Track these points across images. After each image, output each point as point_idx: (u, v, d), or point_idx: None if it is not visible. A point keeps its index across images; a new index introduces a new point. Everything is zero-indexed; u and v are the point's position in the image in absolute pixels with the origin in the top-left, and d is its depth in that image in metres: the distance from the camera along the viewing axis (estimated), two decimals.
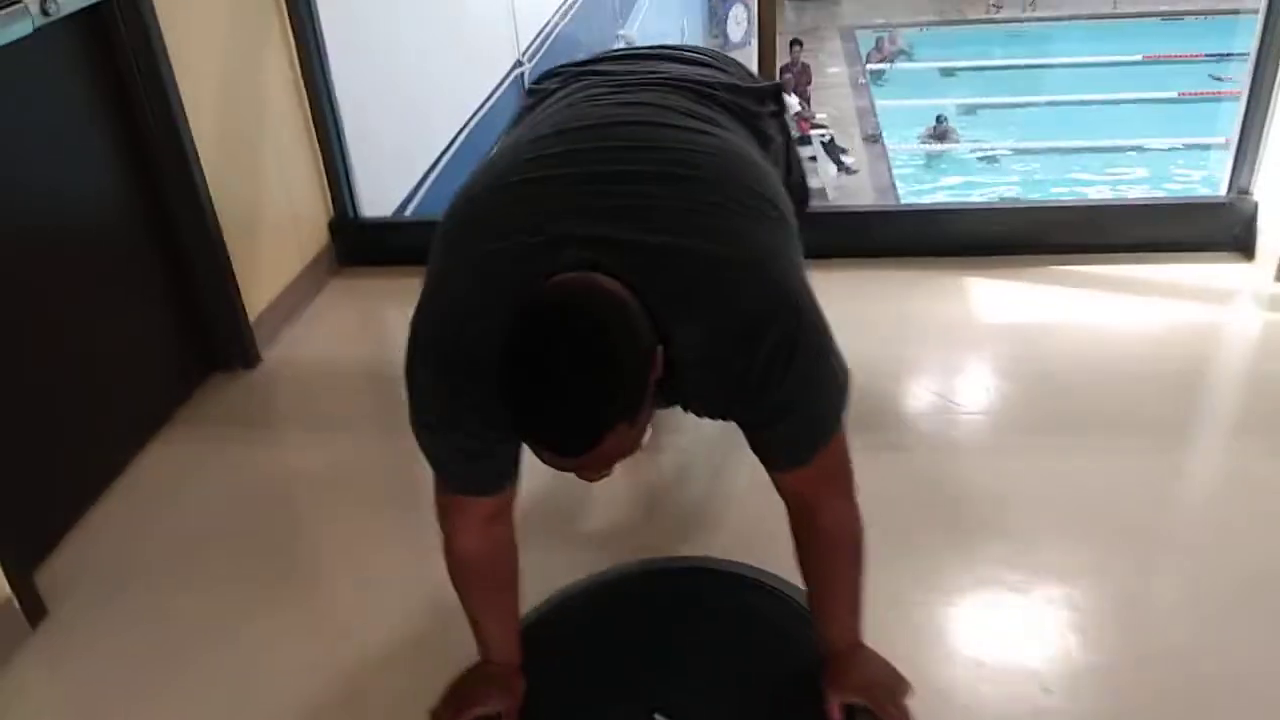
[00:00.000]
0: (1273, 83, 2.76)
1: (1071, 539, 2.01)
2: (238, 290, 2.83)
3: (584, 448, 1.10)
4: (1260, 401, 2.43)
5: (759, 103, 1.64)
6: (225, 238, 2.74)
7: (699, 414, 1.36)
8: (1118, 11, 13.59)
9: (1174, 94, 10.77)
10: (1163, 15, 13.24)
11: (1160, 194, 2.77)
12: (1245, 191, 2.90)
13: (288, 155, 3.13)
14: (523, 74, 5.26)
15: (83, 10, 2.25)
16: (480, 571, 1.52)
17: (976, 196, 9.13)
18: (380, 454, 2.44)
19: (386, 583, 2.04)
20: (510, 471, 1.42)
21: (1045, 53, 12.61)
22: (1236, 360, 2.66)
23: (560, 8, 6.14)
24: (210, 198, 2.68)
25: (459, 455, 1.37)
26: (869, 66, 12.56)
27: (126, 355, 2.55)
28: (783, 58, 11.42)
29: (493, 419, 1.18)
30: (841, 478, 1.39)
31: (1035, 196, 8.96)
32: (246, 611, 2.00)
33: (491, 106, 4.77)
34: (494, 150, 1.52)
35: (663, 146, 1.37)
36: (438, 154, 4.14)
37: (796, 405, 1.28)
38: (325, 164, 3.28)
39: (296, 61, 3.10)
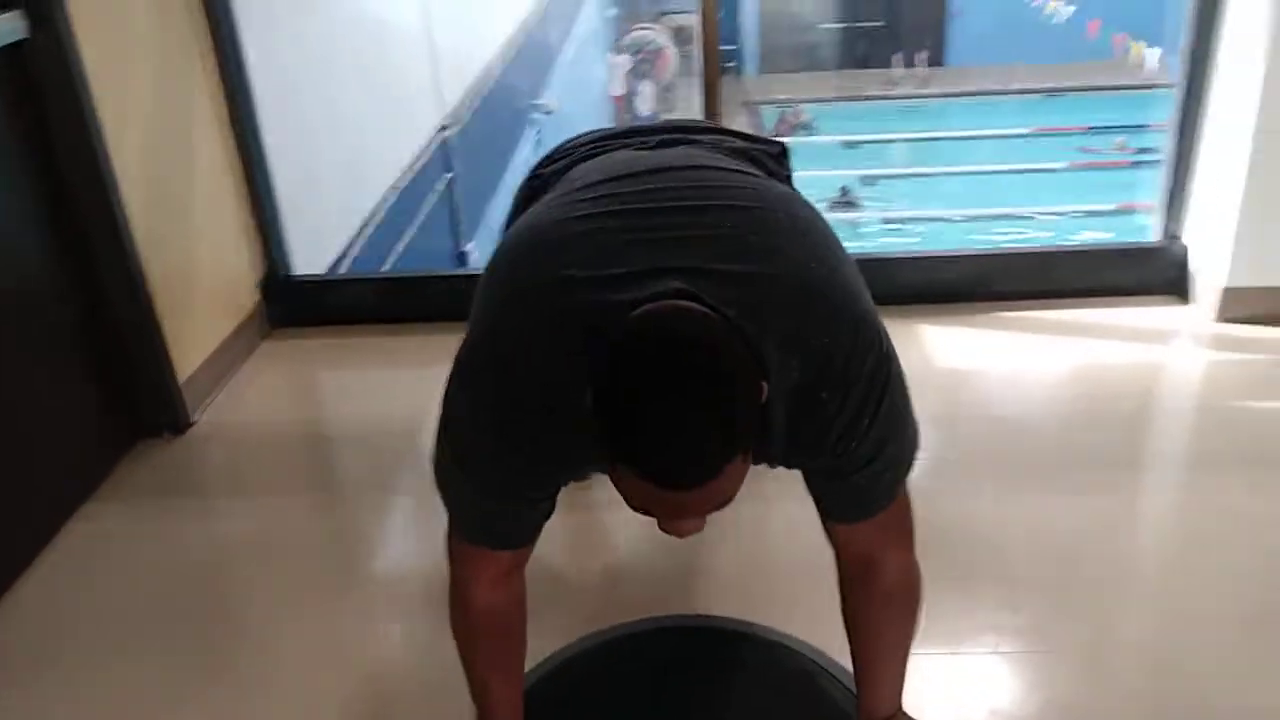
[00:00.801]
0: (1194, 131, 2.91)
1: (1046, 582, 2.00)
2: (166, 353, 2.66)
3: (705, 477, 1.01)
4: (1209, 437, 2.50)
5: (776, 161, 1.60)
6: (153, 298, 2.58)
7: (771, 463, 1.26)
8: (1005, 88, 14.30)
9: (1064, 164, 11.33)
10: (1048, 92, 13.98)
11: (1101, 241, 2.87)
12: (1175, 236, 3.01)
13: (218, 211, 2.99)
14: (446, 139, 5.21)
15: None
16: (490, 626, 1.41)
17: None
18: (315, 524, 2.35)
19: (320, 658, 1.92)
20: (535, 526, 1.32)
21: (941, 126, 13.16)
22: (1184, 398, 2.73)
23: (475, 85, 6.15)
24: (137, 256, 2.53)
25: (487, 501, 1.27)
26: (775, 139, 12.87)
27: (48, 423, 2.36)
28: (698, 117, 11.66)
29: (543, 454, 1.11)
30: (906, 530, 1.34)
31: (984, 243, 9.15)
32: (177, 691, 1.86)
33: (419, 170, 4.71)
34: (526, 216, 1.40)
35: (723, 185, 1.31)
36: (368, 213, 4.03)
37: (877, 453, 1.21)
38: (256, 221, 3.15)
39: (226, 116, 2.99)
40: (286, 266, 3.23)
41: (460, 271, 4.09)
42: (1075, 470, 2.34)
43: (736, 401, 1.03)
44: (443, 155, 5.14)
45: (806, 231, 1.27)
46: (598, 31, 12.60)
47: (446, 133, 5.19)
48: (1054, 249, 3.12)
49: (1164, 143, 3.03)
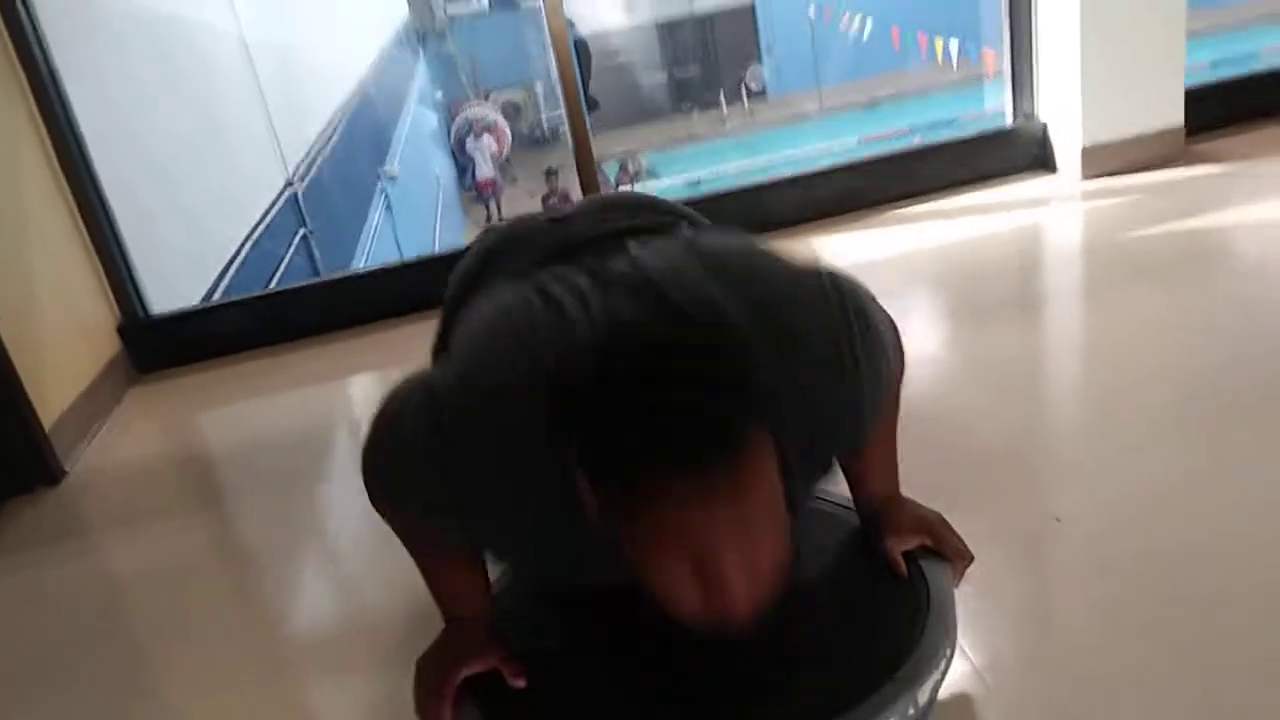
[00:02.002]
0: (1029, 17, 3.04)
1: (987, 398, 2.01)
2: (29, 405, 2.43)
3: (732, 444, 0.86)
4: (1102, 266, 2.63)
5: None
6: (6, 350, 2.36)
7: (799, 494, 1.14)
8: (824, 107, 14.98)
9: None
10: (863, 104, 14.69)
11: (960, 133, 2.94)
12: (1029, 115, 3.12)
13: (59, 256, 2.79)
14: (295, 194, 5.07)
15: None
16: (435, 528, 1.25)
17: None
18: (206, 552, 2.16)
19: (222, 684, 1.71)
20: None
21: (772, 152, 13.62)
22: (1069, 242, 2.86)
23: (315, 146, 6.06)
24: None
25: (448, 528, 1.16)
26: (619, 188, 13.14)
27: None
28: (540, 188, 11.75)
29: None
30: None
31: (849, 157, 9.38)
32: None
33: (271, 221, 4.54)
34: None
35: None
36: (225, 260, 3.84)
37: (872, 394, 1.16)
38: (104, 266, 2.94)
39: (55, 159, 2.81)
40: (143, 308, 3.02)
41: (320, 279, 3.90)
42: (984, 314, 2.41)
43: (738, 362, 0.92)
44: (294, 210, 4.98)
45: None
46: (429, 112, 12.64)
47: (293, 189, 5.04)
48: (918, 147, 3.17)
49: (1002, 32, 3.16)
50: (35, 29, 2.73)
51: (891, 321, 1.22)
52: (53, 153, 2.81)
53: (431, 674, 1.23)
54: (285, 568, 2.01)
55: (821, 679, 1.20)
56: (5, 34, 2.68)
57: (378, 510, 1.24)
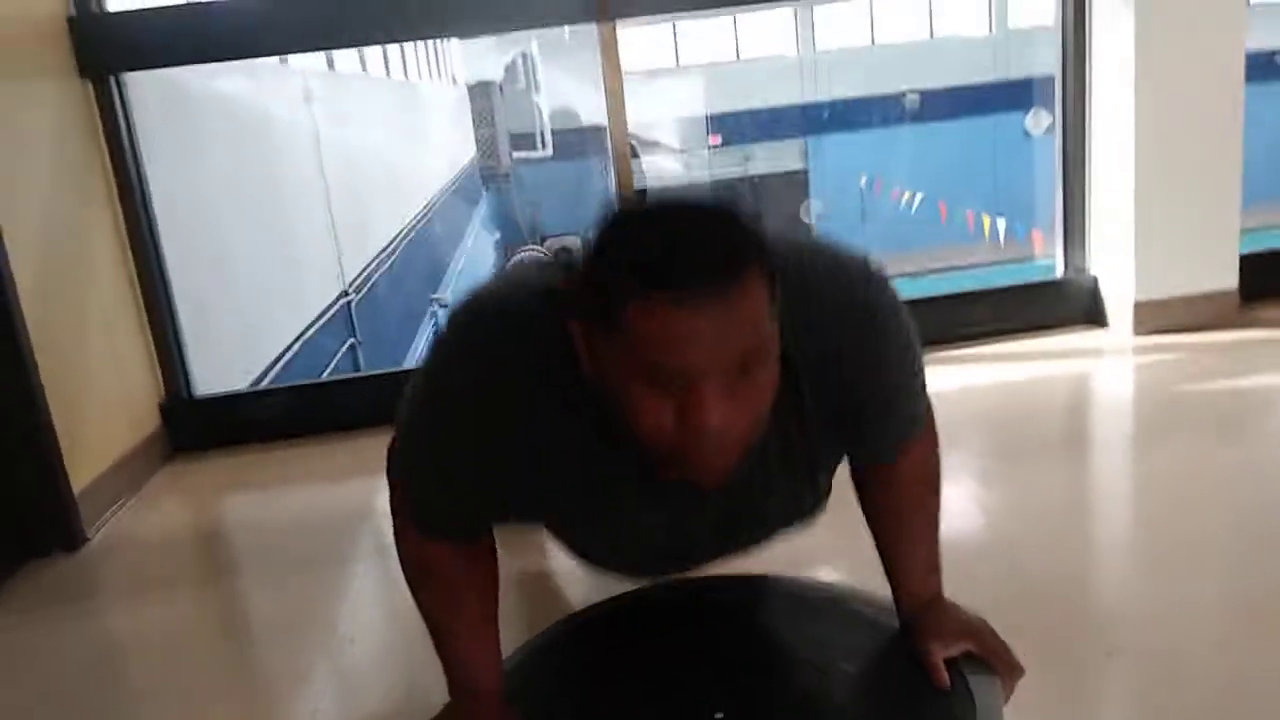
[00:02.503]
0: (1084, 172, 3.09)
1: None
2: (62, 468, 2.44)
3: (723, 276, 0.85)
4: (1156, 413, 2.61)
5: None
6: (49, 411, 2.40)
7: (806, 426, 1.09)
8: None
9: None
10: (910, 274, 14.93)
11: (1011, 279, 2.98)
12: (1081, 269, 3.13)
13: (117, 329, 2.84)
14: (349, 304, 5.18)
15: None
16: (454, 574, 1.20)
17: None
18: (216, 631, 2.10)
19: None
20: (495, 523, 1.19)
21: None
22: (1125, 390, 2.83)
23: (373, 264, 6.24)
24: (33, 367, 2.36)
25: (461, 485, 1.10)
26: None
27: None
28: None
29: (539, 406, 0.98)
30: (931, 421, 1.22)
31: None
32: None
33: (322, 327, 4.63)
34: None
35: None
36: (274, 357, 3.90)
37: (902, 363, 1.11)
38: (156, 344, 2.99)
39: (127, 239, 2.91)
40: (188, 389, 3.05)
41: (362, 374, 3.93)
42: (1033, 455, 2.36)
43: (740, 216, 0.90)
44: (346, 320, 5.08)
45: None
46: (487, 249, 13.01)
47: (348, 299, 5.16)
48: (967, 291, 3.17)
49: (1054, 184, 3.20)
50: (124, 106, 2.87)
51: (929, 400, 1.19)
52: (124, 226, 2.91)
53: None
54: (290, 648, 1.94)
55: None
56: (95, 108, 2.82)
57: (399, 532, 1.19)
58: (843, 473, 1.21)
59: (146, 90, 2.98)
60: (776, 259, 0.92)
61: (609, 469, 1.04)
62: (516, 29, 3.18)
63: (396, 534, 1.21)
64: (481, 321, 1.05)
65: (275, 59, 5.08)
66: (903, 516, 1.27)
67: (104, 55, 2.81)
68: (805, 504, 1.22)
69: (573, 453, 1.03)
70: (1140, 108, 2.84)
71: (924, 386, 1.18)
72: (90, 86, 2.81)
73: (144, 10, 2.93)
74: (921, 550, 1.27)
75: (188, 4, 2.93)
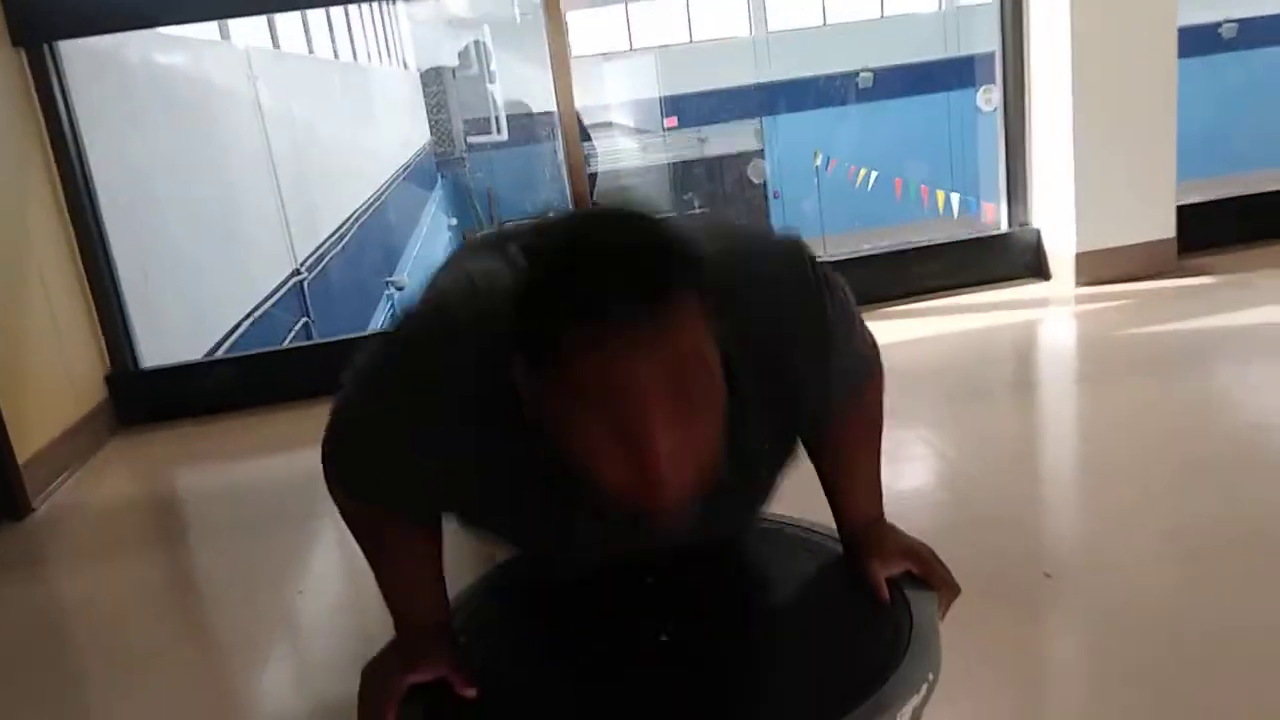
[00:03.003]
0: (1023, 132, 3.15)
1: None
2: (6, 438, 2.40)
3: (653, 295, 0.83)
4: (1098, 358, 2.66)
5: None
6: None
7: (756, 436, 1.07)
8: (829, 253, 15.31)
9: None
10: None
11: (957, 235, 3.05)
12: (1024, 223, 3.19)
13: (56, 304, 2.79)
14: (302, 283, 5.13)
15: None
16: (391, 519, 1.19)
17: None
18: (158, 595, 2.07)
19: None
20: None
21: None
22: (1068, 336, 2.89)
23: (326, 244, 6.18)
24: None
25: (397, 482, 1.08)
26: None
27: None
28: None
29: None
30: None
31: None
32: None
33: (275, 304, 4.59)
34: None
35: None
36: (223, 333, 3.86)
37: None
38: (100, 317, 2.95)
39: (67, 214, 2.87)
40: (134, 361, 3.02)
41: (314, 342, 3.89)
42: (982, 396, 2.42)
43: (668, 236, 0.88)
44: (299, 299, 5.03)
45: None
46: (443, 232, 12.93)
47: (300, 278, 5.11)
48: (915, 247, 3.21)
49: (998, 142, 3.26)
50: (60, 76, 2.82)
51: (873, 338, 1.20)
52: (64, 200, 2.87)
53: (377, 681, 1.15)
54: (238, 603, 1.94)
55: (797, 701, 1.13)
56: (29, 77, 2.77)
57: (334, 494, 1.19)
58: None
59: (84, 64, 2.94)
60: (708, 273, 0.90)
61: (551, 493, 1.01)
62: None
63: (329, 485, 1.19)
64: (430, 338, 1.03)
65: (218, 35, 5.02)
66: (847, 450, 1.27)
67: (37, 23, 2.76)
68: (758, 502, 1.23)
69: (517, 471, 1.01)
70: (1077, 69, 2.91)
71: (864, 337, 1.18)
72: (24, 55, 2.76)
73: None
74: (864, 476, 1.28)
75: None
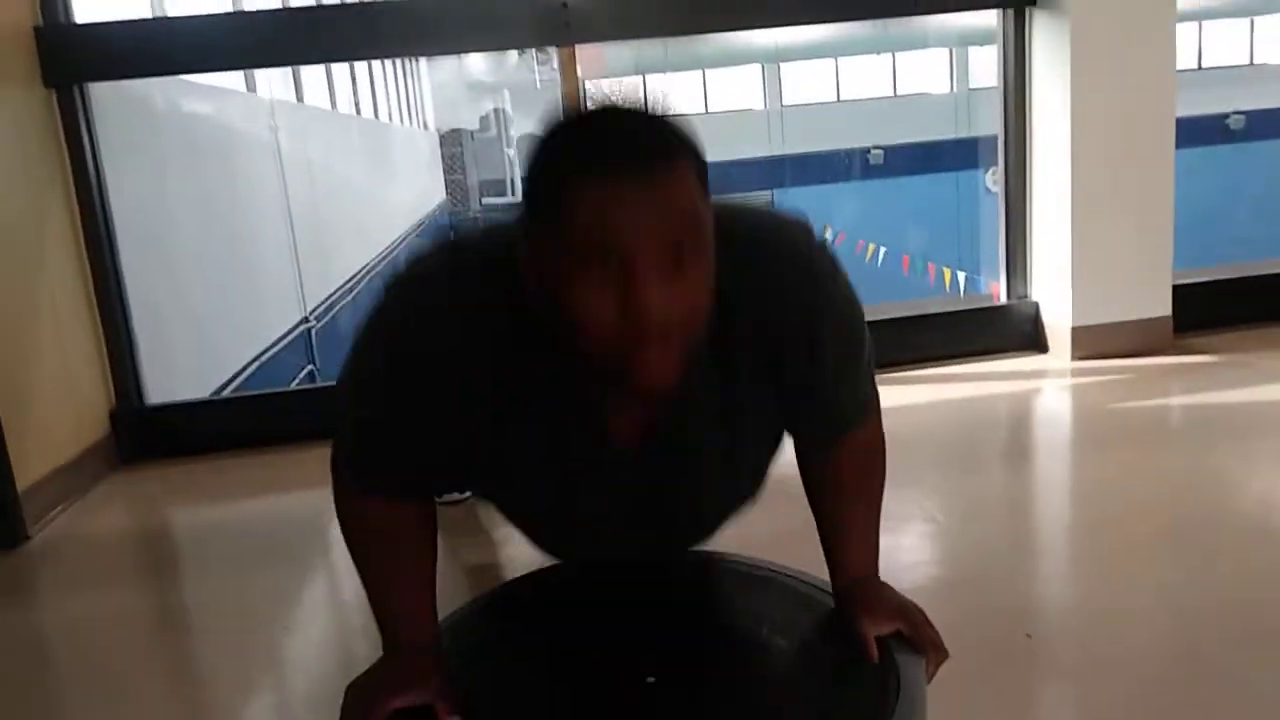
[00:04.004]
0: (1024, 209, 3.22)
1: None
2: (7, 465, 2.43)
3: (657, 154, 0.90)
4: (1092, 428, 2.69)
5: None
6: None
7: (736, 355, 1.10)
8: None
9: None
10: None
11: (956, 304, 3.11)
12: (1023, 295, 3.23)
13: (67, 335, 2.84)
14: (310, 330, 5.18)
15: None
16: (391, 525, 1.21)
17: None
18: (147, 626, 2.08)
19: None
20: (442, 485, 1.22)
21: None
22: (1063, 407, 2.92)
23: (336, 294, 6.25)
24: None
25: (402, 422, 1.10)
26: None
27: None
28: None
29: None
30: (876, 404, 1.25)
31: None
32: None
33: (283, 348, 4.63)
34: None
35: None
36: (230, 375, 3.90)
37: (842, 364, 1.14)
38: (109, 352, 2.99)
39: (84, 247, 2.93)
40: (140, 397, 3.05)
41: (317, 385, 3.92)
42: (974, 462, 2.47)
43: (672, 118, 0.95)
44: (306, 346, 5.08)
45: None
46: None
47: (309, 326, 5.17)
48: (913, 315, 3.25)
49: (999, 215, 3.33)
50: (87, 117, 2.90)
51: (876, 388, 1.22)
52: (82, 236, 2.92)
53: (359, 703, 1.16)
54: (225, 638, 1.94)
55: None
56: (57, 115, 2.85)
57: (339, 498, 1.20)
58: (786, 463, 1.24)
59: (112, 106, 3.02)
60: (718, 224, 0.96)
61: (553, 423, 1.06)
62: (480, 50, 3.26)
63: (335, 493, 1.22)
64: (437, 267, 1.08)
65: (244, 87, 5.15)
66: (844, 498, 1.28)
67: (69, 65, 2.85)
68: (740, 487, 1.25)
69: (517, 400, 1.05)
70: (1076, 152, 2.99)
71: (870, 378, 1.21)
72: (54, 95, 2.84)
73: (110, 22, 2.96)
74: (861, 530, 1.28)
75: (154, 17, 2.98)
